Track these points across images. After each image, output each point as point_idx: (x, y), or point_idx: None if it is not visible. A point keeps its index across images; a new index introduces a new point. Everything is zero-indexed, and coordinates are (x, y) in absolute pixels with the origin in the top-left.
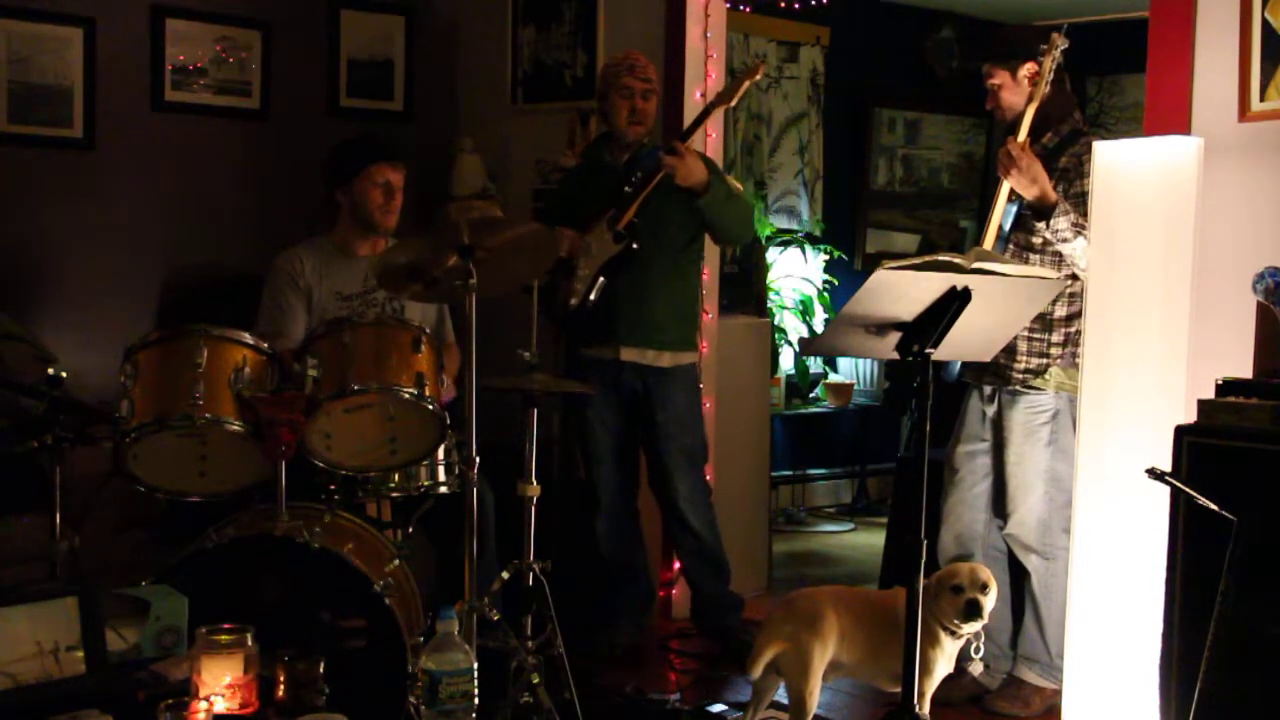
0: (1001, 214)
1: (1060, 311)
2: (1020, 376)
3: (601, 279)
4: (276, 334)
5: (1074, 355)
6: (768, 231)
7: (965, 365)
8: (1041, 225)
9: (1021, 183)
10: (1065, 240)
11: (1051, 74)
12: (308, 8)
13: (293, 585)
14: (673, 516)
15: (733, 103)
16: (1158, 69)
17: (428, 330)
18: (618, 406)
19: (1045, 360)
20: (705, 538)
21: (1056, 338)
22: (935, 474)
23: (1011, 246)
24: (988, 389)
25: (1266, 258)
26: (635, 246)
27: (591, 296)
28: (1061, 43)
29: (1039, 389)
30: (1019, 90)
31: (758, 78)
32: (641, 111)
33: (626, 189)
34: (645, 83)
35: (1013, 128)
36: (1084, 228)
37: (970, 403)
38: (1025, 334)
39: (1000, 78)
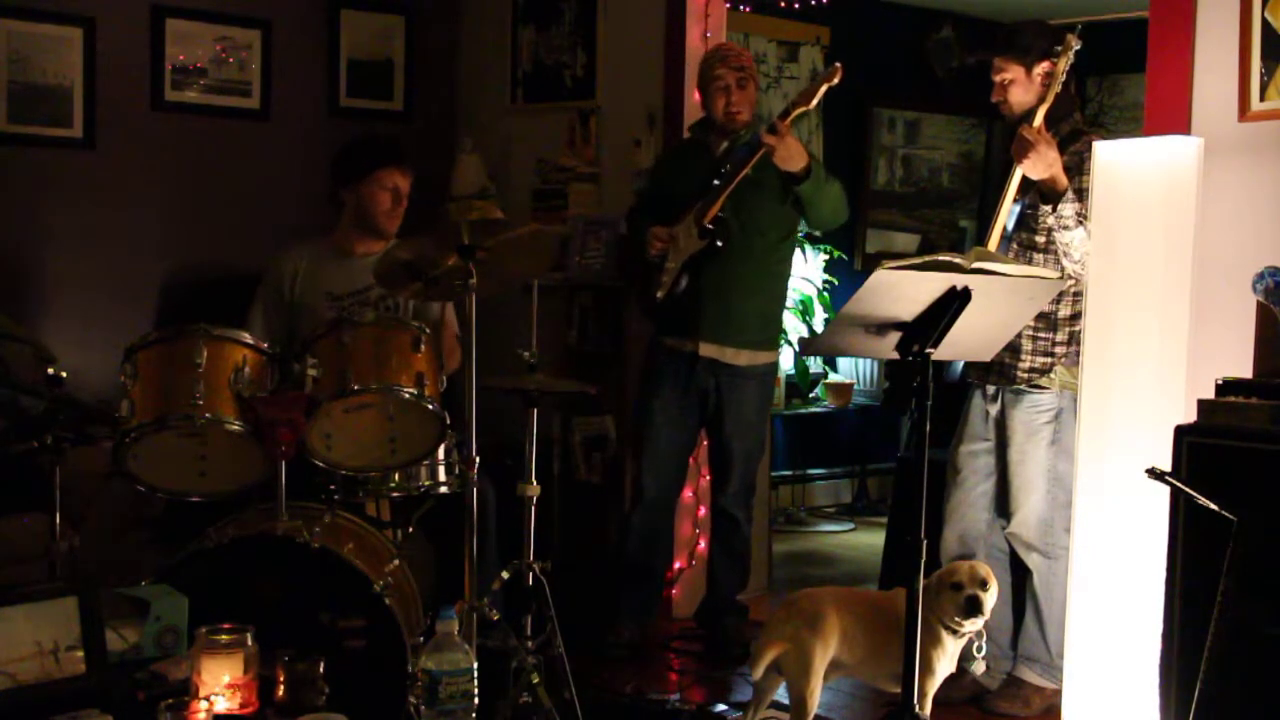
0: (1006, 214)
1: (1065, 311)
2: (1025, 376)
3: (684, 274)
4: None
5: (1078, 354)
6: None
7: (968, 365)
8: (1048, 209)
9: (1038, 166)
10: (1067, 227)
11: (1064, 75)
12: (308, 8)
13: (293, 585)
14: (717, 509)
15: (811, 105)
16: (1158, 69)
17: (428, 329)
18: (685, 401)
19: (1050, 359)
20: (742, 533)
21: (1061, 337)
22: (935, 474)
23: (1015, 246)
24: (990, 388)
25: (1266, 258)
26: (720, 245)
27: (676, 290)
28: (1076, 44)
29: (1043, 388)
30: (1030, 88)
31: (835, 80)
32: (738, 101)
33: (715, 182)
34: (739, 71)
35: (1018, 126)
36: (1086, 217)
37: (973, 402)
38: (1030, 333)
39: (1013, 72)
